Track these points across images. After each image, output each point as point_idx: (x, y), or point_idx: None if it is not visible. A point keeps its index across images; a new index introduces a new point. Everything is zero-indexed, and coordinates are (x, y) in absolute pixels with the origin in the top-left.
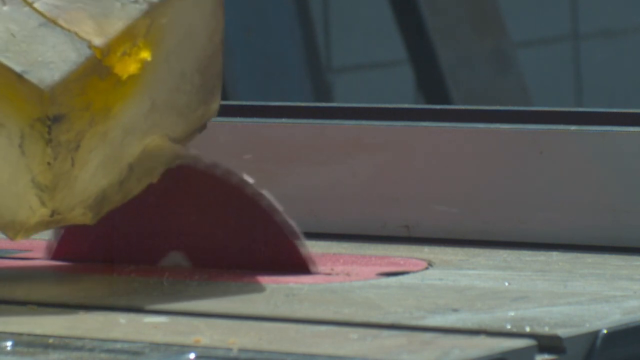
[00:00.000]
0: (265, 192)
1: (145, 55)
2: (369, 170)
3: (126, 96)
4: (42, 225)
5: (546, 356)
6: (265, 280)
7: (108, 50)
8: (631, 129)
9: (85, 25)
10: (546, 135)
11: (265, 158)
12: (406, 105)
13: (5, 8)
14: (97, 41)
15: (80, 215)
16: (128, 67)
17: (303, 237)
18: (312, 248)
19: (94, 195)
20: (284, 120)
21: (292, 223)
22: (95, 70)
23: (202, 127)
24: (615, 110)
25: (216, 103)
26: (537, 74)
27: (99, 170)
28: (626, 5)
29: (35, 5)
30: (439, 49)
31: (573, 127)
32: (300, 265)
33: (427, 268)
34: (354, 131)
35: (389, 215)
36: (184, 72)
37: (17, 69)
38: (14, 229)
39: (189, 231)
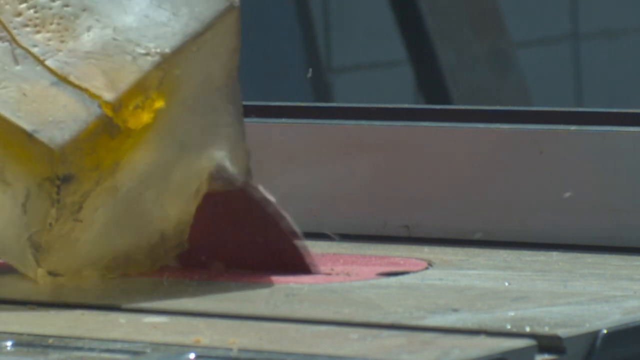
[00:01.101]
0: (261, 188)
1: (159, 105)
2: (369, 170)
3: (135, 146)
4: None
5: (546, 356)
6: (265, 280)
7: (120, 105)
8: (631, 129)
9: (96, 81)
10: (546, 135)
11: (265, 158)
12: (406, 105)
13: (18, 67)
14: (108, 96)
15: (99, 277)
16: (141, 120)
17: (303, 237)
18: (312, 248)
19: (110, 255)
20: (284, 120)
21: (292, 223)
22: (106, 128)
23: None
24: (615, 110)
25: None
26: (537, 74)
27: (110, 229)
28: (626, 5)
29: (47, 62)
30: (439, 49)
31: (573, 127)
32: (300, 265)
33: (427, 268)
34: (354, 131)
35: (389, 215)
36: (215, 106)
37: (28, 128)
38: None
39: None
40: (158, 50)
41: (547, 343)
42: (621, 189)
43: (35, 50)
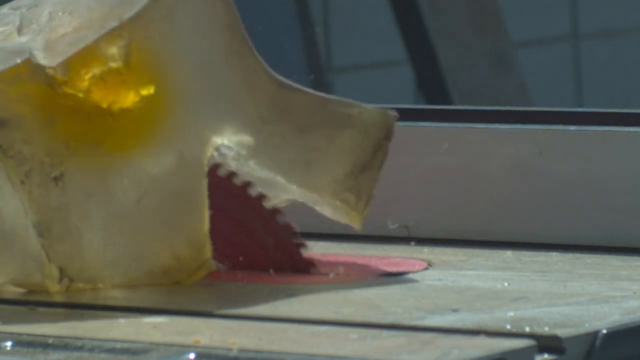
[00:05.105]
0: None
1: (145, 91)
2: None
3: (125, 136)
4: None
5: (546, 356)
6: (265, 280)
7: (64, 67)
8: (631, 129)
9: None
10: (546, 135)
11: None
12: (406, 105)
13: None
14: (42, 52)
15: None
16: (116, 96)
17: (303, 237)
18: (312, 248)
19: (119, 277)
20: None
21: (292, 223)
22: (38, 77)
23: None
24: (615, 110)
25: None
26: (537, 74)
27: (113, 234)
28: (626, 5)
29: None
30: (439, 49)
31: (573, 127)
32: (300, 265)
33: (427, 268)
34: None
35: (389, 215)
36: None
37: None
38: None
39: None
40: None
41: (546, 343)
42: (621, 189)
43: None
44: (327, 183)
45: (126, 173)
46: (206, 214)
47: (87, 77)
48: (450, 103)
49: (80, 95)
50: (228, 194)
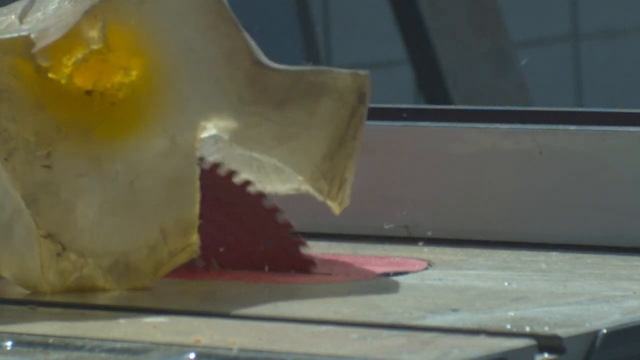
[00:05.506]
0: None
1: (131, 76)
2: (369, 170)
3: (116, 124)
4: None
5: (546, 356)
6: (265, 280)
7: (41, 52)
8: (631, 129)
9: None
10: (546, 135)
11: None
12: (406, 105)
13: None
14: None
15: (100, 276)
16: (97, 76)
17: (303, 237)
18: (312, 248)
19: (109, 254)
20: None
21: (292, 223)
22: (26, 53)
23: None
24: (615, 110)
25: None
26: (537, 74)
27: (107, 216)
28: (626, 5)
29: None
30: (439, 49)
31: (573, 127)
32: (300, 265)
33: (427, 268)
34: None
35: (389, 215)
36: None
37: None
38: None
39: None
40: None
41: (546, 343)
42: (621, 189)
43: None
44: (307, 167)
45: (119, 159)
46: (197, 196)
47: (69, 63)
48: (450, 103)
49: (63, 82)
50: (227, 193)
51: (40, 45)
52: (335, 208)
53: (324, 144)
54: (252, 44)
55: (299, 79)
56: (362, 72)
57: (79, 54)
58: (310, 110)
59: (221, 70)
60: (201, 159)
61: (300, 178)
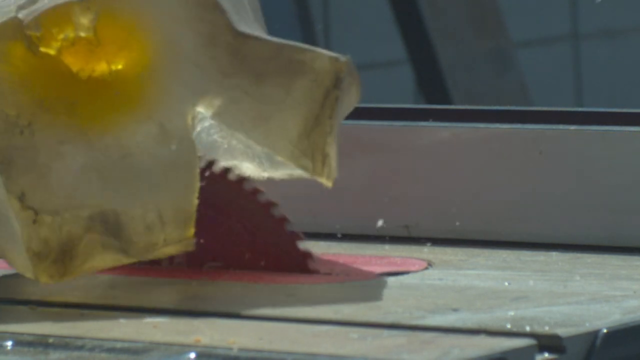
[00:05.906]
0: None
1: (115, 64)
2: (369, 170)
3: (104, 100)
4: (47, 246)
5: (546, 355)
6: (265, 280)
7: (36, 22)
8: (631, 129)
9: None
10: (546, 135)
11: None
12: (406, 105)
13: None
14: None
15: (82, 231)
16: (83, 64)
17: (303, 237)
18: (312, 248)
19: (92, 206)
20: None
21: (292, 223)
22: (18, 35)
23: None
24: (615, 110)
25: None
26: (537, 74)
27: (92, 175)
28: (626, 5)
29: None
30: (439, 49)
31: (573, 127)
32: (300, 265)
33: (427, 268)
34: (354, 131)
35: (389, 215)
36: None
37: None
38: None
39: None
40: None
41: (547, 342)
42: (621, 189)
43: None
44: (284, 147)
45: (109, 134)
46: (196, 185)
47: (59, 37)
48: (450, 103)
49: (52, 52)
50: (225, 191)
51: (32, 15)
52: (325, 182)
53: (299, 123)
54: (235, 11)
55: (279, 51)
56: (343, 57)
57: (68, 31)
58: (286, 89)
59: (203, 55)
60: (212, 162)
61: (280, 158)
